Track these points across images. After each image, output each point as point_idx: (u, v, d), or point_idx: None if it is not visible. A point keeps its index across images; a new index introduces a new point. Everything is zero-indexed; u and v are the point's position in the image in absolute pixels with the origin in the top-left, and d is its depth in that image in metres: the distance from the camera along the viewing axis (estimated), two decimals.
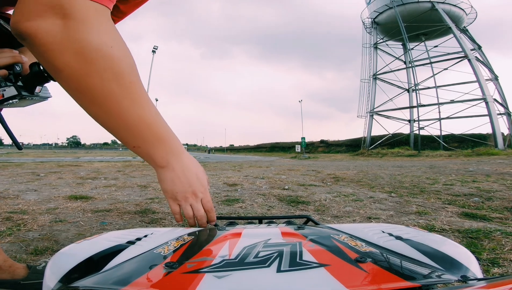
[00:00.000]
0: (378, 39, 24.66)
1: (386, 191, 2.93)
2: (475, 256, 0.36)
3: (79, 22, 0.39)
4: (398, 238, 0.41)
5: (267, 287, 0.28)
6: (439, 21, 20.57)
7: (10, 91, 0.57)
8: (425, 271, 0.32)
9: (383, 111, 23.78)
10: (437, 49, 22.55)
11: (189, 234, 0.47)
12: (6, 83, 0.58)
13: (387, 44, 24.88)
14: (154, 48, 23.70)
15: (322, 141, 43.81)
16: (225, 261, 0.33)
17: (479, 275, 0.33)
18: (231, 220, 0.68)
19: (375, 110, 23.74)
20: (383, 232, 0.45)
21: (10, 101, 0.58)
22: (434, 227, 1.42)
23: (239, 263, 0.33)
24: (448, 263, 0.34)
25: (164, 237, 0.45)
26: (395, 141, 23.19)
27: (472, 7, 22.10)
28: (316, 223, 0.66)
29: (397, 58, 24.80)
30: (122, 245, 0.40)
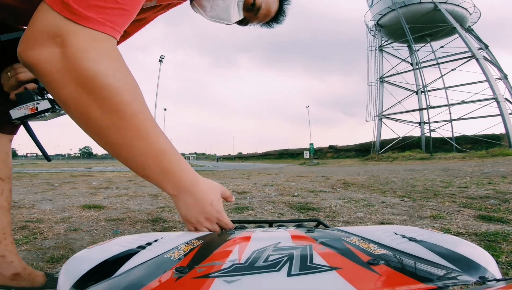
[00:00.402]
0: (383, 42, 24.60)
1: (399, 196, 2.87)
2: (493, 257, 0.35)
3: (76, 51, 0.39)
4: (412, 240, 0.40)
5: None
6: (443, 21, 20.42)
7: (44, 104, 0.57)
8: (441, 272, 0.31)
9: (392, 114, 23.50)
10: (444, 50, 22.35)
11: (198, 239, 0.47)
12: (38, 97, 0.58)
13: (392, 46, 24.76)
14: (161, 57, 24.20)
15: (330, 147, 43.47)
16: (235, 266, 0.33)
17: (498, 275, 0.32)
18: (240, 224, 0.68)
19: (383, 113, 23.47)
20: (395, 234, 0.44)
21: (43, 115, 0.58)
22: (450, 230, 1.38)
23: (249, 267, 0.33)
24: (465, 264, 0.33)
25: (174, 242, 0.45)
26: (406, 144, 22.81)
27: (475, 6, 21.87)
28: (326, 227, 0.64)
29: (403, 60, 24.62)
30: (133, 249, 0.40)
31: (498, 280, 0.30)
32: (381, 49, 24.25)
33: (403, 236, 0.42)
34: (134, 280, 0.33)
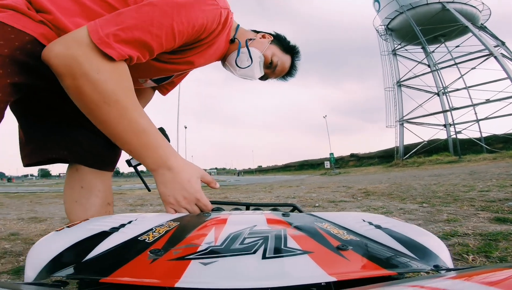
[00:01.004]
0: (395, 45, 24.21)
1: (418, 202, 2.95)
2: (446, 247, 0.40)
3: (79, 55, 0.51)
4: (378, 227, 0.43)
5: (252, 274, 0.29)
6: (454, 21, 19.88)
7: None
8: (401, 259, 0.34)
9: (413, 118, 22.81)
10: (460, 49, 21.65)
11: (174, 220, 0.47)
12: None
13: (406, 50, 24.27)
14: None
15: (352, 155, 42.52)
16: (210, 248, 0.33)
17: (450, 264, 0.35)
18: (217, 206, 0.67)
19: (404, 118, 22.84)
20: (363, 221, 0.46)
21: None
22: (457, 232, 1.51)
23: (225, 249, 0.33)
24: (422, 252, 0.36)
25: (148, 223, 0.44)
26: (432, 148, 21.90)
27: (483, 3, 21.18)
28: (300, 212, 0.66)
29: (419, 62, 24.04)
30: (105, 232, 0.39)
31: (450, 270, 0.33)
32: (394, 53, 23.86)
33: (370, 223, 0.45)
34: (107, 264, 0.32)
